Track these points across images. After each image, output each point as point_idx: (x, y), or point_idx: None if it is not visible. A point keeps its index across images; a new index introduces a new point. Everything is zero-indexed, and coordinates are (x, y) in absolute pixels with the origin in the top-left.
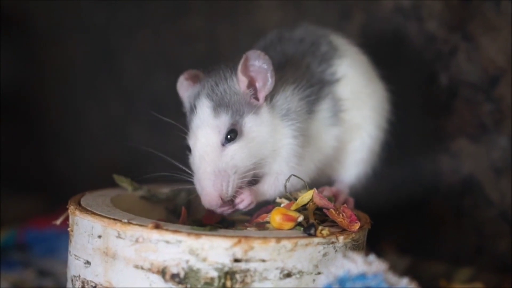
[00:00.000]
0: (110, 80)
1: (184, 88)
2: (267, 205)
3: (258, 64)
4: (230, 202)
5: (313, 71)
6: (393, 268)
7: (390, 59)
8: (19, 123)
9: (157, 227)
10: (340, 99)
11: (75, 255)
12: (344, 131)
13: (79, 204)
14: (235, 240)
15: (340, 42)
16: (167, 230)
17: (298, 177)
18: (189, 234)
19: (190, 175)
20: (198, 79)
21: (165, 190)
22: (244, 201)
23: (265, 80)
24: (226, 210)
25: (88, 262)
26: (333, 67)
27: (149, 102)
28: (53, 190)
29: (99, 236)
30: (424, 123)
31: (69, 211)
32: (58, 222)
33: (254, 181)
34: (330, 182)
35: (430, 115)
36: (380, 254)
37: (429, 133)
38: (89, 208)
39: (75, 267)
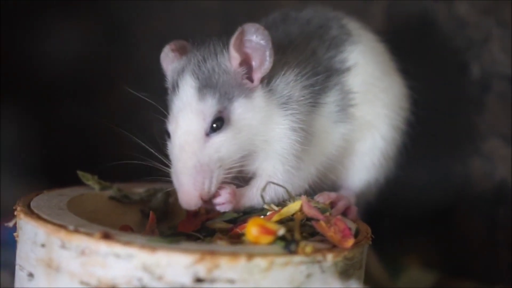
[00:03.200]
0: (122, 57)
1: (169, 60)
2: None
3: (256, 40)
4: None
5: (320, 57)
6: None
7: (416, 47)
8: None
9: (105, 236)
10: (350, 91)
11: (19, 265)
12: (353, 129)
13: (28, 205)
14: (197, 256)
15: (354, 26)
16: (117, 241)
17: (278, 184)
18: (142, 246)
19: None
20: (186, 52)
21: (139, 190)
22: (220, 197)
23: (262, 59)
24: (207, 205)
25: (31, 275)
26: (344, 54)
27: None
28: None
29: (42, 245)
30: (452, 121)
31: (15, 212)
32: (11, 224)
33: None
34: (335, 188)
35: (459, 112)
36: (403, 269)
37: (458, 133)
38: (36, 211)
39: (19, 279)
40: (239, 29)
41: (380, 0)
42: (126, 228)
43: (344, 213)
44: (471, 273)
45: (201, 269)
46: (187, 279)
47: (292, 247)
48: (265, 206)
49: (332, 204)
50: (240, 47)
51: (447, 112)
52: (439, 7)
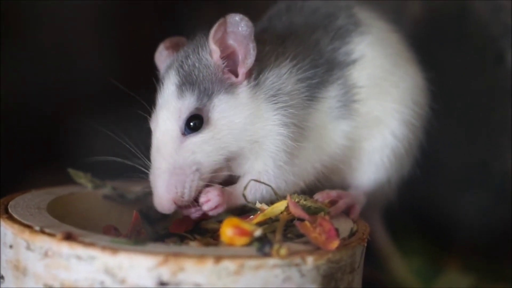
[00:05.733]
0: None
1: (163, 59)
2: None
3: (240, 32)
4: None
5: (322, 49)
6: None
7: (452, 34)
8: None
9: (67, 237)
10: (354, 86)
11: None
12: (357, 127)
13: (6, 205)
14: (161, 258)
15: (366, 15)
16: (79, 242)
17: (262, 182)
18: (104, 248)
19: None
20: (179, 49)
21: (135, 189)
22: (210, 202)
23: (246, 51)
24: (194, 212)
25: (2, 277)
26: (349, 45)
27: None
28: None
29: (11, 246)
30: (488, 113)
31: None
32: None
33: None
34: (343, 187)
35: (496, 103)
36: (442, 270)
37: (495, 126)
38: (10, 211)
39: None
40: (220, 20)
41: None
42: (109, 229)
43: (347, 212)
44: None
45: (165, 272)
46: (150, 282)
47: (266, 249)
48: (257, 206)
49: (333, 203)
50: (223, 40)
51: (484, 104)
52: None
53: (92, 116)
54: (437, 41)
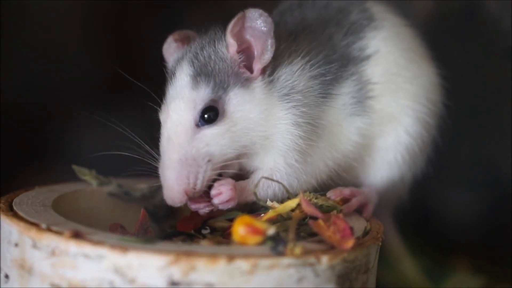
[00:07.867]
0: None
1: (172, 51)
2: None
3: (258, 27)
4: (207, 196)
5: (335, 44)
6: None
7: (463, 31)
8: None
9: (75, 236)
10: (369, 82)
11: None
12: (372, 123)
13: (11, 201)
14: (172, 257)
15: (379, 10)
16: (87, 241)
17: (274, 180)
18: (113, 247)
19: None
20: (189, 41)
21: (141, 186)
22: (222, 194)
23: (263, 48)
24: (203, 207)
25: (7, 276)
26: (363, 40)
27: None
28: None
29: (16, 245)
30: (499, 110)
31: None
32: None
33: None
34: (356, 185)
35: (506, 100)
36: (451, 271)
37: (505, 123)
38: (15, 208)
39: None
40: (239, 14)
41: None
42: (116, 227)
43: (360, 211)
44: None
45: (176, 272)
46: (161, 282)
47: (280, 248)
48: (268, 204)
49: (345, 201)
50: (240, 34)
51: (494, 101)
52: None
53: (87, 112)
54: (447, 37)
